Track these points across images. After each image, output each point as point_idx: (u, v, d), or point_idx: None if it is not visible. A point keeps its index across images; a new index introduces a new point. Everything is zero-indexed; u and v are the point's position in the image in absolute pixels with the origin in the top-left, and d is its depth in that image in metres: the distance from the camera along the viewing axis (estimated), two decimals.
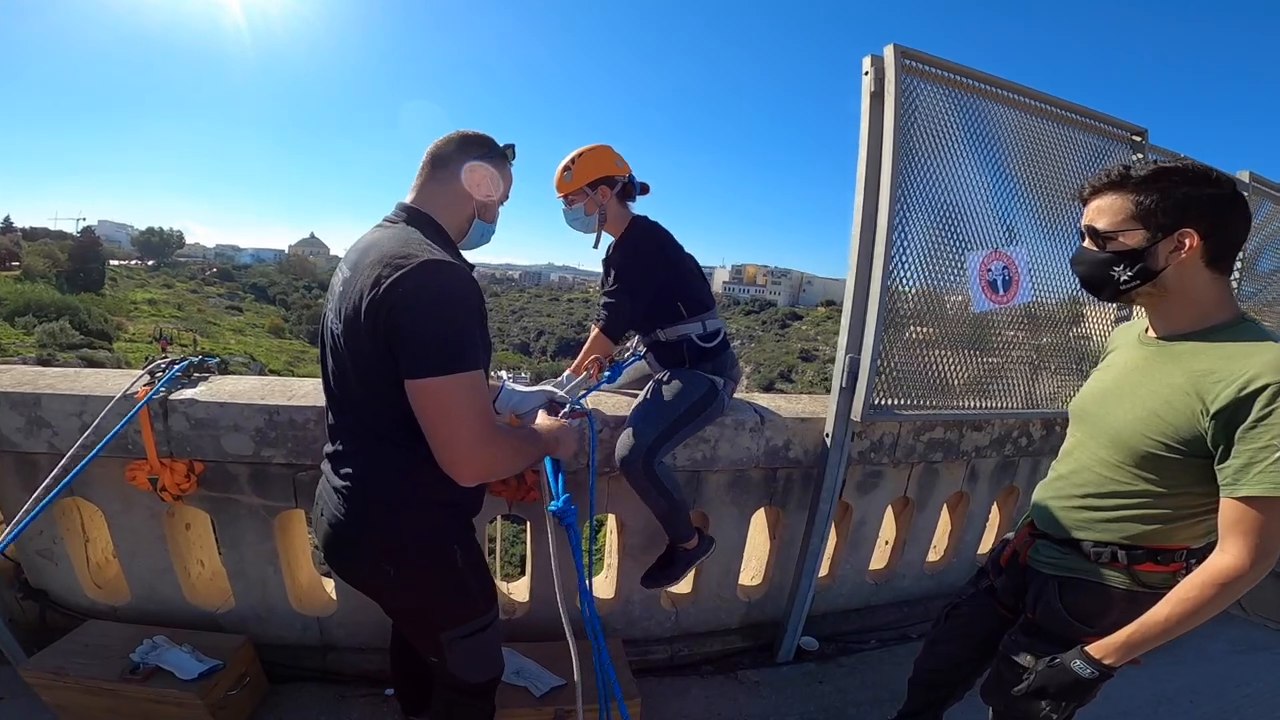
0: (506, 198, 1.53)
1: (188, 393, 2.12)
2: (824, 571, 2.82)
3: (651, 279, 2.23)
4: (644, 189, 2.34)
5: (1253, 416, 1.14)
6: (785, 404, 2.62)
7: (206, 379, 2.26)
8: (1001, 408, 2.65)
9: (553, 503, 1.63)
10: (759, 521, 2.75)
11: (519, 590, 2.62)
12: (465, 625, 1.48)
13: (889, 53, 2.15)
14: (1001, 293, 2.36)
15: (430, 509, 1.41)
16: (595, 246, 2.34)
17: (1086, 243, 1.33)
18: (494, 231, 1.55)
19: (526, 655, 2.19)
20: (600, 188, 2.24)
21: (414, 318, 1.19)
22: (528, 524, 2.42)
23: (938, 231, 2.28)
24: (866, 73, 2.18)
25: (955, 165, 2.28)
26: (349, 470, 1.38)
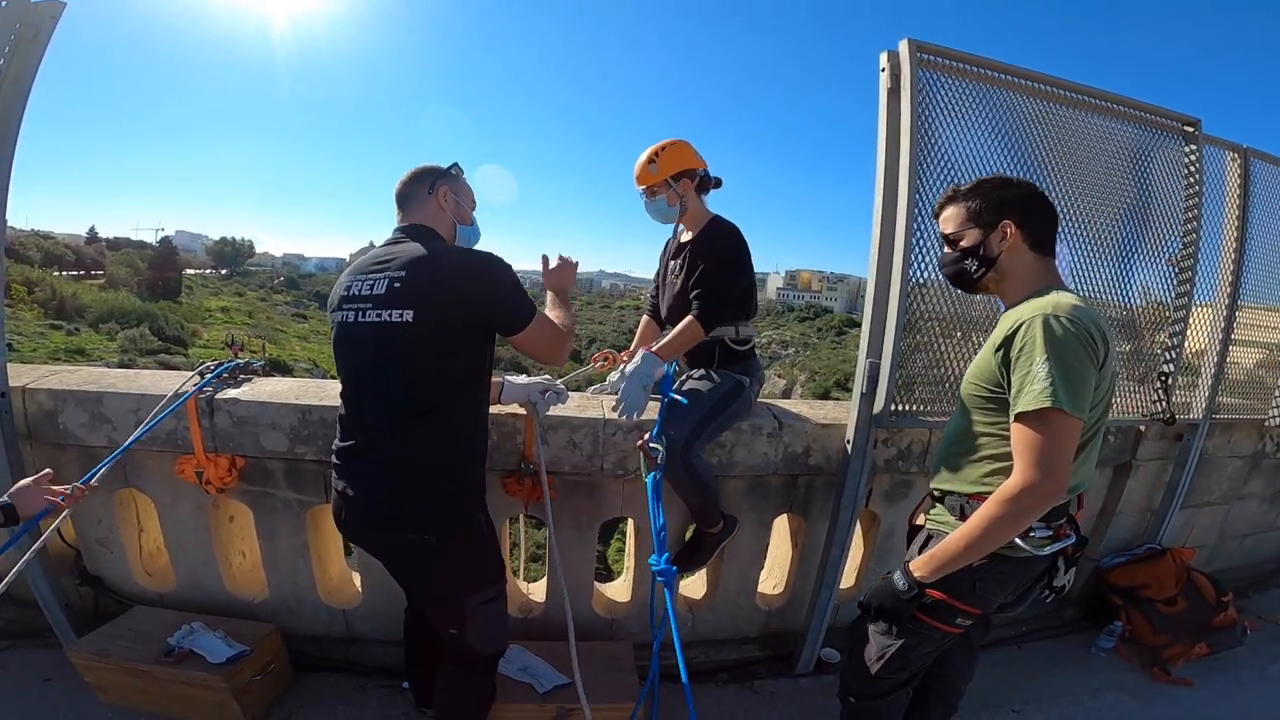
0: (474, 204, 1.83)
1: (232, 392, 2.26)
2: (849, 582, 2.76)
3: (740, 282, 2.32)
4: (718, 183, 2.42)
5: (1015, 348, 1.38)
6: (808, 410, 2.59)
7: (250, 380, 2.40)
8: None
9: (654, 559, 1.84)
10: (781, 529, 2.72)
11: (538, 591, 2.67)
12: (486, 591, 1.69)
13: (904, 47, 2.12)
14: None
15: (459, 479, 1.63)
16: (675, 236, 2.48)
17: (945, 249, 1.61)
18: (477, 235, 1.84)
19: (536, 654, 2.23)
20: (683, 180, 2.32)
21: (498, 295, 1.58)
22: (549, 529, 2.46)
23: None
24: (883, 69, 2.15)
25: (981, 161, 2.22)
26: (388, 452, 1.58)
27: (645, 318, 2.70)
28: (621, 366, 2.21)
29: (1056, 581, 1.57)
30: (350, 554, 2.69)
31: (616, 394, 2.10)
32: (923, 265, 2.20)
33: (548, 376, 2.27)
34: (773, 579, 2.85)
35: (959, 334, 2.33)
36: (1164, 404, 2.70)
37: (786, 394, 50.90)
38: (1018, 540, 1.42)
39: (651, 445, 2.01)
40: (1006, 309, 1.55)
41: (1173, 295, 2.69)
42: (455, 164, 1.77)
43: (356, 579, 2.60)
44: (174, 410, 2.14)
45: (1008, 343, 1.40)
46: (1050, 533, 1.46)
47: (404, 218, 1.70)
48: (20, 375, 2.31)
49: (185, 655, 2.11)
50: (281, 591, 2.46)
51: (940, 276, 2.01)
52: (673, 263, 2.44)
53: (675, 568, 1.80)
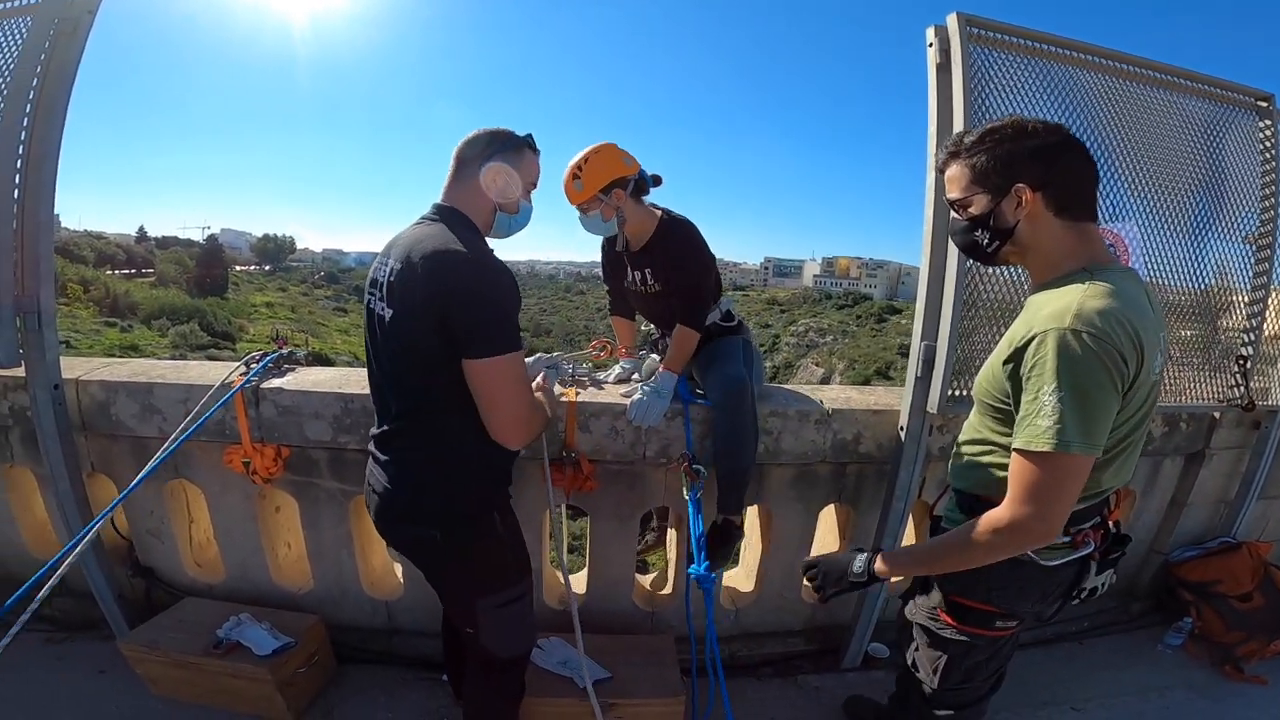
0: (535, 186, 1.60)
1: (276, 382, 2.27)
2: (900, 575, 2.67)
3: (710, 276, 2.36)
4: (656, 181, 2.30)
5: (1025, 367, 1.18)
6: (857, 395, 2.49)
7: (294, 370, 2.41)
8: None
9: (693, 567, 1.81)
10: (828, 520, 2.64)
11: (577, 582, 2.64)
12: (501, 594, 1.58)
13: (952, 21, 2.02)
14: None
15: (475, 476, 1.53)
16: (624, 245, 2.39)
17: (953, 215, 1.35)
18: (523, 221, 1.61)
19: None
20: (614, 191, 2.17)
21: (468, 308, 1.34)
22: (589, 517, 2.44)
23: None
24: (930, 44, 2.06)
25: None
26: (402, 444, 1.51)
27: (616, 318, 2.76)
28: (640, 382, 2.32)
29: (1087, 583, 1.40)
30: None
31: (630, 402, 2.16)
32: None
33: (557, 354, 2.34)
34: None
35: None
36: (1242, 389, 2.53)
37: (825, 383, 50.22)
38: (1030, 552, 1.30)
39: (695, 466, 2.05)
40: (1032, 292, 1.32)
41: (1250, 275, 2.51)
42: (530, 135, 1.57)
43: (399, 570, 2.61)
44: (223, 401, 2.16)
45: (1017, 356, 1.20)
46: (1068, 540, 1.32)
47: (445, 192, 1.53)
48: (73, 368, 2.35)
49: (233, 647, 2.13)
50: (326, 582, 2.48)
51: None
52: (636, 273, 2.40)
53: (714, 575, 1.77)
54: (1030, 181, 1.20)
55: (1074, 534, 1.32)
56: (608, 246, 2.51)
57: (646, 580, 2.75)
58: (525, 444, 1.52)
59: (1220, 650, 2.65)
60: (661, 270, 2.32)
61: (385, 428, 1.55)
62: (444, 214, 1.49)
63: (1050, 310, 1.16)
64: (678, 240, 2.28)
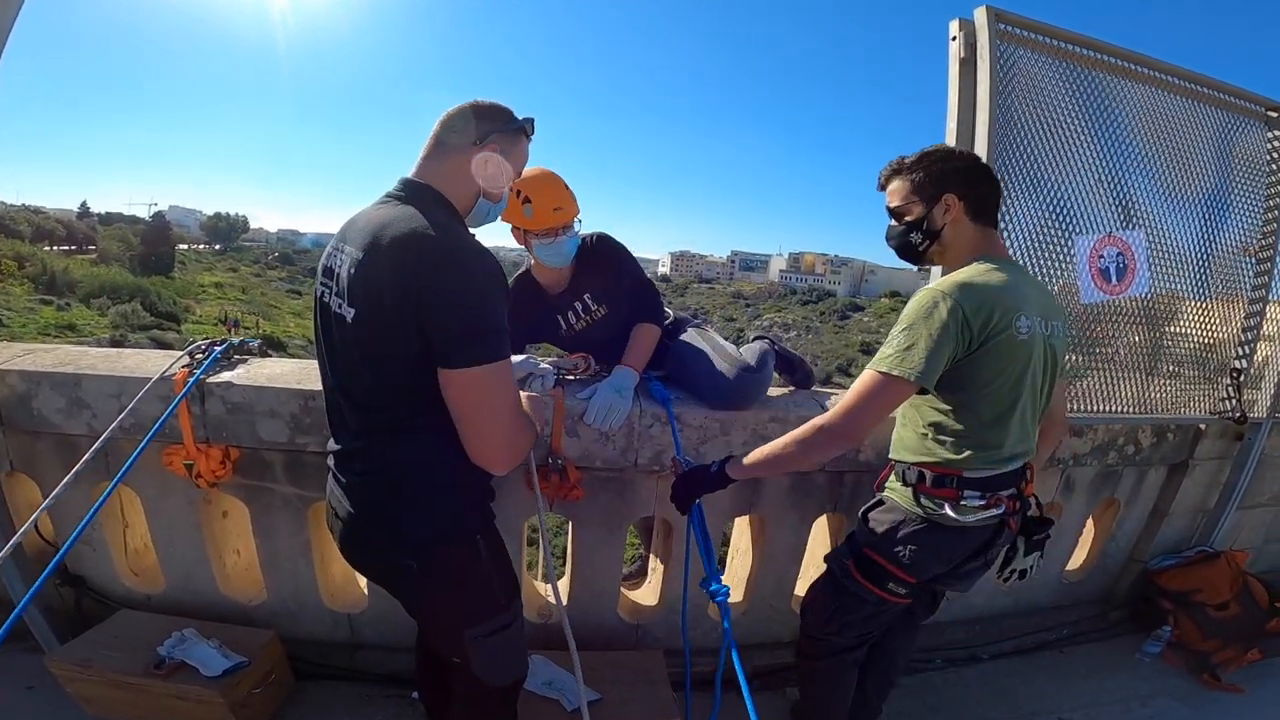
0: (518, 175, 1.42)
1: (225, 375, 2.05)
2: None
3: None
4: None
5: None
6: None
7: (245, 361, 2.19)
8: (1108, 411, 2.37)
9: (707, 582, 1.70)
10: (820, 530, 2.54)
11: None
12: (489, 622, 1.41)
13: (980, 15, 1.94)
14: (1114, 282, 2.08)
15: (452, 497, 1.34)
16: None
17: (891, 222, 1.62)
18: (501, 208, 1.44)
19: (562, 666, 2.06)
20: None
21: (446, 308, 1.14)
22: (569, 524, 2.28)
23: (1041, 212, 2.03)
24: (954, 38, 1.97)
25: (1062, 141, 2.04)
26: (364, 464, 1.32)
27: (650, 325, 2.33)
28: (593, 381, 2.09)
29: (1016, 564, 1.63)
30: None
31: (589, 404, 1.96)
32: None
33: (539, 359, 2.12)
34: (807, 581, 2.68)
35: None
36: (1234, 401, 2.53)
37: None
38: (947, 508, 1.49)
39: (684, 460, 1.89)
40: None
41: (1249, 288, 2.50)
42: (530, 119, 1.38)
43: (362, 581, 2.41)
44: (174, 408, 1.93)
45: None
46: (982, 501, 1.49)
47: (419, 166, 1.32)
48: None
49: (177, 666, 1.92)
50: (281, 594, 2.27)
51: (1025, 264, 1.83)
52: (574, 307, 2.25)
53: (728, 587, 1.65)
54: (956, 193, 1.50)
55: (989, 497, 1.49)
56: (530, 304, 2.24)
57: (633, 593, 2.61)
58: (511, 469, 1.31)
59: (1197, 658, 2.67)
60: (603, 285, 2.22)
61: (343, 446, 1.35)
62: (416, 192, 1.28)
63: (938, 281, 1.47)
64: (604, 249, 2.20)
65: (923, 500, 1.54)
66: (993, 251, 1.53)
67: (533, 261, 2.20)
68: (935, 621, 2.74)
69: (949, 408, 1.48)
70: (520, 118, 1.37)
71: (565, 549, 2.54)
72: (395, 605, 2.20)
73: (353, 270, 1.21)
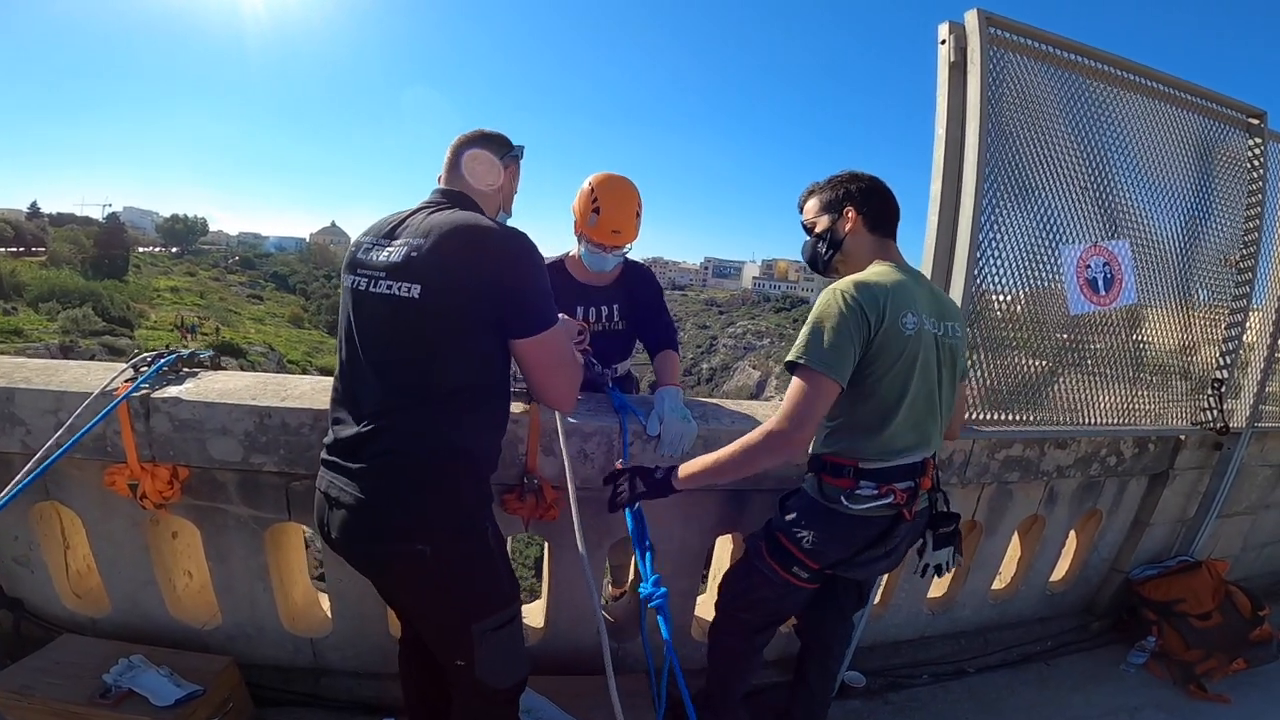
0: (515, 191, 1.66)
1: (173, 390, 1.89)
2: (876, 599, 2.54)
3: None
4: None
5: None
6: None
7: (196, 375, 2.03)
8: (1091, 423, 2.35)
9: (642, 585, 1.69)
10: None
11: (533, 615, 2.37)
12: (498, 614, 1.45)
13: (971, 19, 1.90)
14: (1102, 293, 2.06)
15: (465, 485, 1.40)
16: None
17: (806, 238, 1.76)
18: (506, 220, 1.62)
19: (541, 692, 1.95)
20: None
21: (521, 284, 1.35)
22: (545, 545, 2.18)
23: (1028, 222, 2.00)
24: (943, 41, 1.94)
25: (1052, 150, 2.00)
26: (386, 444, 1.35)
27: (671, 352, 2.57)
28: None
29: (928, 558, 1.71)
30: (316, 576, 2.36)
31: (661, 427, 1.95)
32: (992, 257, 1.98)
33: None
34: None
35: (1018, 335, 2.10)
36: (1216, 412, 2.53)
37: (761, 386, 51.11)
38: (842, 497, 1.58)
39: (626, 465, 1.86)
40: None
41: (1230, 299, 2.51)
42: (521, 146, 1.63)
43: (325, 603, 2.26)
44: (104, 416, 1.78)
45: None
46: (875, 491, 1.57)
47: (452, 179, 1.51)
48: None
49: (125, 696, 1.78)
50: (237, 618, 2.12)
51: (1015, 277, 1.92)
52: (598, 309, 2.39)
53: (665, 590, 1.64)
54: (854, 206, 1.65)
55: (882, 486, 1.57)
56: (559, 279, 2.32)
57: (613, 613, 2.50)
58: (575, 405, 1.57)
59: (1181, 668, 2.67)
60: (628, 309, 2.40)
61: (359, 429, 1.36)
62: (459, 200, 1.46)
63: (837, 281, 1.56)
64: (652, 281, 2.47)
65: (824, 488, 1.64)
66: (885, 257, 1.65)
67: (573, 253, 2.31)
68: (922, 636, 2.71)
69: (845, 401, 1.54)
70: (514, 145, 1.60)
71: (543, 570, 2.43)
72: (362, 629, 2.10)
73: (414, 255, 1.33)
